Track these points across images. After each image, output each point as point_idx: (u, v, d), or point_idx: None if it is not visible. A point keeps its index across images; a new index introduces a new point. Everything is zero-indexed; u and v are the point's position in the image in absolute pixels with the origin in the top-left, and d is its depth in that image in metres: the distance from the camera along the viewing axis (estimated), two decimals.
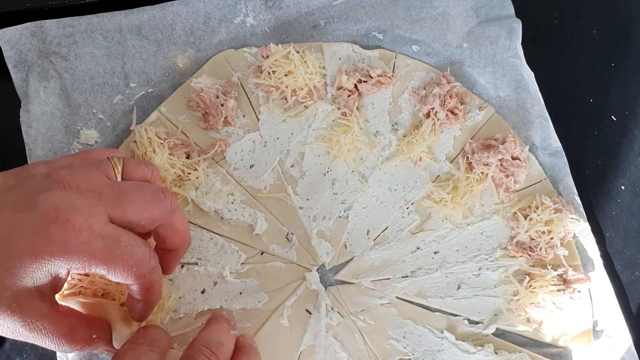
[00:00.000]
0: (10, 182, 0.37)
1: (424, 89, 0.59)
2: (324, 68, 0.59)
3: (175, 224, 0.42)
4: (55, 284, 0.37)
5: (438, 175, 0.58)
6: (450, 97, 0.57)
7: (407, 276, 0.55)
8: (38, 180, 0.37)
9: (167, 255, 0.44)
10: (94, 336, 0.40)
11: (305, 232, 0.56)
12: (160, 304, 0.51)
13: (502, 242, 0.56)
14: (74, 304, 0.44)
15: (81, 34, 0.57)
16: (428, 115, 0.58)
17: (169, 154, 0.54)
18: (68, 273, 0.36)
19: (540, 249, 0.54)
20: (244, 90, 0.59)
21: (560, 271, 0.54)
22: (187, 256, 0.54)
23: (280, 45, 0.57)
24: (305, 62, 0.57)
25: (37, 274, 0.35)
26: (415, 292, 0.55)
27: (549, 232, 0.54)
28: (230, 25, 0.60)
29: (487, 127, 0.59)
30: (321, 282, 0.54)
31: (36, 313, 0.36)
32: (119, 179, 0.41)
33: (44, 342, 0.38)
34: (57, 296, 0.50)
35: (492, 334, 0.54)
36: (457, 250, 0.56)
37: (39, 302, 0.36)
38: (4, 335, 0.38)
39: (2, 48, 0.56)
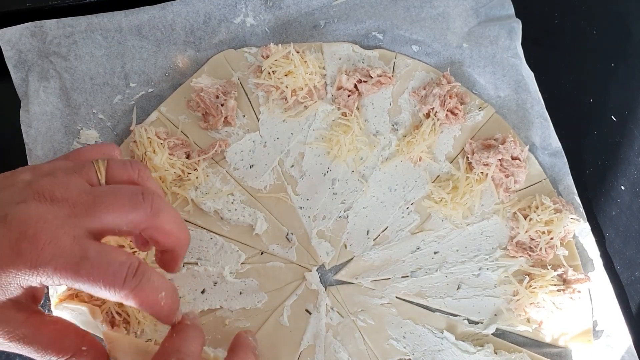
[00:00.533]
0: None
1: (424, 89, 0.59)
2: (324, 68, 0.59)
3: (162, 226, 0.39)
4: (32, 294, 0.36)
5: (438, 175, 0.58)
6: (450, 97, 0.57)
7: (407, 276, 0.55)
8: (17, 189, 0.36)
9: (165, 255, 0.43)
10: (84, 348, 0.39)
11: (305, 232, 0.56)
12: None
13: (502, 242, 0.56)
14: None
15: (81, 34, 0.57)
16: (428, 115, 0.58)
17: (169, 154, 0.54)
18: (42, 285, 0.36)
19: (540, 249, 0.54)
20: (244, 90, 0.59)
21: (560, 271, 0.54)
22: (187, 256, 0.54)
23: (280, 45, 0.57)
24: (305, 62, 0.57)
25: (8, 287, 0.34)
26: (415, 292, 0.55)
27: (549, 232, 0.54)
28: (230, 25, 0.60)
29: (487, 127, 0.59)
30: (321, 282, 0.54)
31: (12, 323, 0.36)
32: (103, 182, 0.39)
33: (27, 351, 0.37)
34: (54, 301, 0.50)
35: (492, 334, 0.54)
36: (457, 250, 0.56)
37: (14, 312, 0.36)
38: None
39: (2, 48, 0.56)
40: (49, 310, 0.52)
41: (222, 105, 0.56)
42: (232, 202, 0.55)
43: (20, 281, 0.34)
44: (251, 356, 0.42)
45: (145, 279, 0.37)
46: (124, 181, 0.40)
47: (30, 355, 0.37)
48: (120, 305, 0.51)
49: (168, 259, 0.43)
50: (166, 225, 0.39)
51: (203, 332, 0.41)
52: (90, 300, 0.50)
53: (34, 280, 0.34)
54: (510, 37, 0.60)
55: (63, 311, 0.50)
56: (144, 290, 0.37)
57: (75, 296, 0.50)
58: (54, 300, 0.51)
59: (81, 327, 0.50)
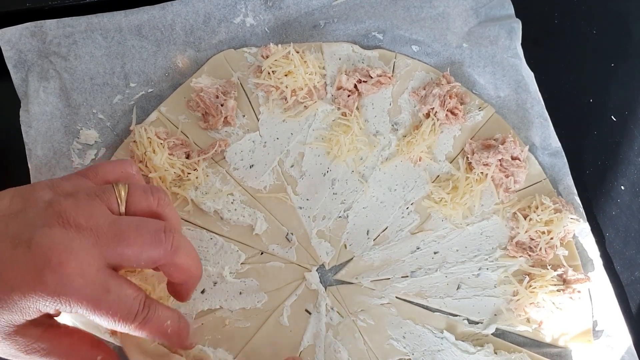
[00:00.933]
0: (15, 206, 0.37)
1: (424, 89, 0.59)
2: (323, 68, 0.59)
3: (178, 263, 0.40)
4: (48, 314, 0.37)
5: (438, 176, 0.58)
6: (450, 97, 0.57)
7: (407, 276, 0.55)
8: (40, 210, 0.36)
9: (177, 286, 0.43)
10: (99, 357, 0.40)
11: (305, 232, 0.56)
12: None
13: (502, 242, 0.56)
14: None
15: (81, 34, 0.57)
16: (428, 115, 0.58)
17: (169, 154, 0.54)
18: (56, 312, 0.36)
19: (540, 249, 0.54)
20: (244, 90, 0.59)
21: (560, 271, 0.54)
22: None
23: (280, 45, 0.57)
24: (305, 62, 0.57)
25: (27, 311, 0.35)
26: (415, 292, 0.55)
27: (549, 232, 0.54)
28: (230, 25, 0.60)
29: (486, 127, 0.59)
30: (321, 282, 0.54)
31: (29, 337, 0.36)
32: (122, 209, 0.39)
33: None
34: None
35: (491, 334, 0.53)
36: (457, 250, 0.56)
37: (31, 328, 0.36)
38: (5, 357, 0.38)
39: (2, 48, 0.56)
40: None
41: (222, 105, 0.56)
42: (232, 202, 0.55)
43: (40, 306, 0.35)
44: None
45: (152, 311, 0.38)
46: (144, 209, 0.40)
47: None
48: None
49: (180, 291, 0.44)
50: (183, 262, 0.40)
51: None
52: None
53: (53, 307, 0.35)
54: (510, 37, 0.60)
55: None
56: (151, 322, 0.38)
57: None
58: None
59: (82, 328, 0.50)
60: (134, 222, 0.38)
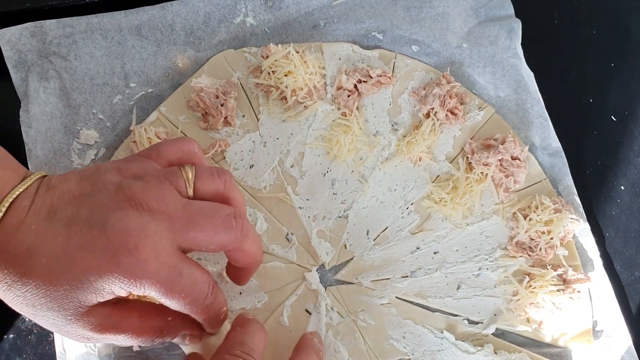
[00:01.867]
0: (83, 189, 0.37)
1: (424, 89, 0.59)
2: (323, 68, 0.59)
3: (246, 248, 0.41)
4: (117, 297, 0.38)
5: (438, 176, 0.58)
6: (450, 97, 0.57)
7: (407, 276, 0.55)
8: (110, 193, 0.36)
9: (238, 270, 0.44)
10: (170, 318, 0.40)
11: (305, 232, 0.56)
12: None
13: (502, 242, 0.56)
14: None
15: (81, 34, 0.57)
16: (428, 115, 0.58)
17: None
18: (128, 295, 0.36)
19: (540, 249, 0.54)
20: (244, 90, 0.59)
21: (560, 271, 0.54)
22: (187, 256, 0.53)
23: (280, 45, 0.57)
24: (305, 62, 0.57)
25: (101, 292, 0.35)
26: (415, 292, 0.55)
27: (549, 232, 0.54)
28: (230, 25, 0.60)
29: (486, 127, 0.59)
30: (321, 282, 0.54)
31: (101, 316, 0.37)
32: (191, 192, 0.39)
33: (119, 339, 0.38)
34: None
35: (491, 334, 0.53)
36: (457, 251, 0.56)
37: (101, 308, 0.36)
38: (78, 341, 0.38)
39: (2, 48, 0.56)
40: None
41: (221, 105, 0.56)
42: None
43: (114, 288, 0.35)
44: (314, 357, 0.42)
45: (216, 297, 0.39)
46: (211, 191, 0.40)
47: (119, 343, 0.38)
48: None
49: (241, 275, 0.45)
50: (249, 248, 0.41)
51: (265, 329, 0.42)
52: None
53: (127, 289, 0.35)
54: (510, 37, 0.60)
55: None
56: (214, 308, 0.39)
57: None
58: None
59: None
60: (206, 207, 0.39)
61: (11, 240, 0.34)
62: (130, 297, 0.40)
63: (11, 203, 0.35)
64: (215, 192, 0.41)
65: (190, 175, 0.39)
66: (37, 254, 0.34)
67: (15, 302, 0.35)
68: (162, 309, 0.40)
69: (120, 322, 0.38)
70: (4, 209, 0.35)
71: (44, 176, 0.38)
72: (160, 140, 0.52)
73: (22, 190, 0.36)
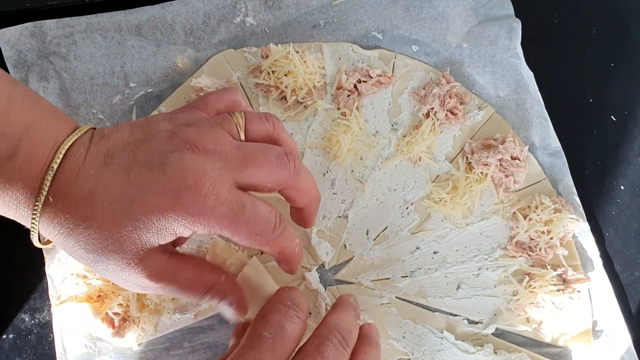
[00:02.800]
0: (136, 137, 0.37)
1: (424, 89, 0.59)
2: (323, 68, 0.59)
3: (301, 185, 0.41)
4: (177, 241, 0.38)
5: (437, 175, 0.58)
6: (450, 97, 0.57)
7: (407, 276, 0.55)
8: (164, 138, 0.37)
9: (300, 212, 0.45)
10: (222, 277, 0.40)
11: (304, 231, 0.56)
12: (160, 306, 0.51)
13: (502, 242, 0.56)
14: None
15: (81, 34, 0.57)
16: (427, 115, 0.58)
17: None
18: (191, 234, 0.37)
19: (540, 249, 0.54)
20: (244, 90, 0.59)
21: (559, 271, 0.54)
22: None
23: (280, 45, 0.57)
24: (304, 62, 0.57)
25: (163, 232, 0.35)
26: (414, 292, 0.55)
27: (549, 232, 0.54)
28: (229, 25, 0.60)
29: (486, 127, 0.59)
30: (321, 282, 0.54)
31: (159, 261, 0.37)
32: (242, 136, 0.40)
33: (171, 290, 0.38)
34: (54, 302, 0.51)
35: (491, 334, 0.54)
36: (457, 250, 0.56)
37: (159, 254, 0.37)
38: (131, 289, 0.38)
39: (2, 48, 0.56)
40: (49, 310, 0.52)
41: None
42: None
43: (177, 228, 0.35)
44: (352, 312, 0.42)
45: (286, 228, 0.40)
46: (262, 134, 0.42)
47: (172, 294, 0.39)
48: (120, 304, 0.51)
49: (304, 216, 0.45)
50: (304, 185, 0.42)
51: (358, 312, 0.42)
52: (90, 300, 0.50)
53: (189, 228, 0.35)
54: (510, 37, 0.60)
55: (64, 310, 0.51)
56: (286, 237, 0.39)
57: (74, 297, 0.50)
58: (54, 301, 0.51)
59: (83, 325, 0.51)
60: (259, 146, 0.40)
61: (71, 186, 0.35)
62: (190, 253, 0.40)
63: (67, 150, 0.36)
64: (266, 134, 0.42)
65: (241, 120, 0.41)
66: (99, 198, 0.34)
67: (75, 248, 0.36)
68: (216, 268, 0.40)
69: (176, 271, 0.38)
70: (61, 156, 0.35)
71: (94, 128, 0.39)
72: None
73: (76, 138, 0.36)
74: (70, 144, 0.36)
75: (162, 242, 0.36)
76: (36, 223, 0.35)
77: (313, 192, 0.43)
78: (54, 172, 0.35)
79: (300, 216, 0.45)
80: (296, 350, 0.37)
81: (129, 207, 0.34)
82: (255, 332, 0.36)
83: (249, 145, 0.40)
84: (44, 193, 0.35)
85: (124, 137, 0.37)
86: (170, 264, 0.37)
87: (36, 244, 0.38)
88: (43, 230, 0.36)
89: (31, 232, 0.37)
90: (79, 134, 0.37)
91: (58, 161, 0.35)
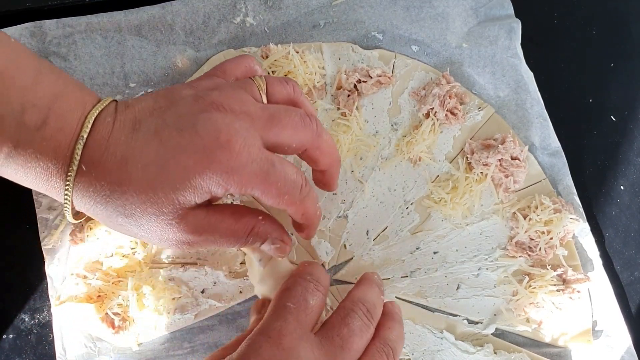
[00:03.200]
0: (162, 104, 0.38)
1: (424, 89, 0.59)
2: (323, 68, 0.59)
3: (323, 146, 0.42)
4: (211, 199, 0.38)
5: (437, 175, 0.58)
6: (450, 97, 0.57)
7: (407, 276, 0.55)
8: (190, 102, 0.37)
9: (323, 175, 0.45)
10: (260, 217, 0.40)
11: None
12: (160, 306, 0.52)
13: (502, 242, 0.56)
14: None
15: (80, 34, 0.57)
16: (427, 115, 0.58)
17: None
18: (224, 193, 0.37)
19: (540, 249, 0.54)
20: None
21: (559, 271, 0.54)
22: (187, 256, 0.54)
23: (279, 45, 0.58)
24: (304, 62, 0.57)
25: (199, 191, 0.36)
26: (414, 292, 0.55)
27: (549, 232, 0.54)
28: (229, 25, 0.60)
29: (486, 127, 0.59)
30: None
31: (198, 216, 0.37)
32: (264, 99, 0.41)
33: (215, 240, 0.38)
34: (54, 302, 0.51)
35: (491, 334, 0.54)
36: (457, 250, 0.56)
37: (198, 209, 0.37)
38: (177, 248, 0.40)
39: None
40: (49, 310, 0.52)
41: None
42: (231, 203, 0.55)
43: (212, 186, 0.36)
44: (376, 288, 0.43)
45: (311, 190, 0.40)
46: (284, 97, 0.42)
47: (215, 244, 0.39)
48: (119, 304, 0.51)
49: (327, 178, 0.46)
50: (326, 146, 0.42)
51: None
52: (90, 300, 0.50)
53: (223, 187, 0.36)
54: (510, 37, 0.60)
55: (65, 310, 0.51)
56: (310, 199, 0.40)
57: (74, 297, 0.50)
58: (54, 301, 0.51)
59: (83, 325, 0.51)
60: (283, 108, 0.40)
61: (103, 153, 0.35)
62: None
63: (95, 119, 0.36)
64: (287, 97, 0.43)
65: (262, 84, 0.41)
66: (133, 162, 0.35)
67: (114, 215, 0.36)
68: (252, 210, 0.41)
69: (217, 221, 0.38)
70: (90, 124, 0.35)
71: (116, 101, 0.39)
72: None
73: (102, 107, 0.37)
74: (97, 113, 0.36)
75: (199, 201, 0.36)
76: (69, 194, 0.36)
77: (334, 152, 0.44)
78: (84, 140, 0.35)
79: (324, 179, 0.46)
80: (321, 322, 0.38)
81: (163, 168, 0.35)
82: (280, 303, 0.37)
83: (272, 106, 0.40)
84: (76, 162, 0.35)
85: (149, 105, 0.38)
86: (210, 215, 0.38)
87: (70, 218, 0.38)
88: (78, 202, 0.36)
89: (64, 207, 0.37)
90: (105, 104, 0.37)
91: (87, 130, 0.35)
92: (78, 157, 0.35)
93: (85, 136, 0.35)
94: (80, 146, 0.35)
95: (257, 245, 0.41)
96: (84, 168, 0.35)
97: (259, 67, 0.46)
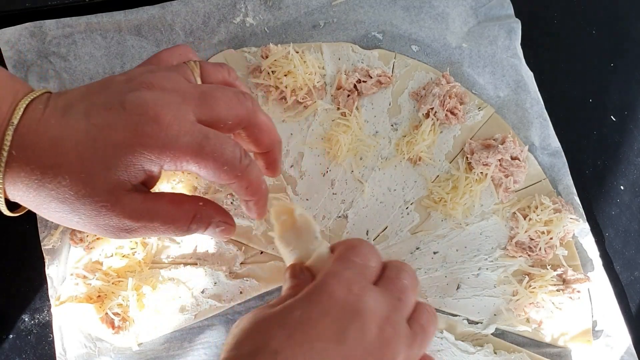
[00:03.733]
0: (94, 88, 0.37)
1: (424, 89, 0.59)
2: (323, 68, 0.59)
3: (261, 123, 0.40)
4: (148, 182, 0.37)
5: (437, 175, 0.58)
6: (450, 97, 0.57)
7: None
8: (121, 83, 0.37)
9: (266, 158, 0.44)
10: (201, 203, 0.39)
11: None
12: (160, 306, 0.52)
13: (502, 242, 0.56)
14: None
15: (80, 34, 0.57)
16: (427, 115, 0.58)
17: None
18: (160, 171, 0.36)
19: (540, 249, 0.54)
20: None
21: (559, 271, 0.54)
22: (187, 256, 0.54)
23: (279, 45, 0.57)
24: (304, 62, 0.57)
25: (132, 169, 0.35)
26: None
27: (549, 232, 0.54)
28: (229, 25, 0.60)
29: (486, 127, 0.59)
30: None
31: (135, 200, 0.36)
32: (199, 80, 0.40)
33: (156, 228, 0.37)
34: (54, 303, 0.50)
35: (491, 334, 0.54)
36: (457, 250, 0.56)
37: (135, 193, 0.36)
38: (116, 237, 0.37)
39: (2, 48, 0.56)
40: (49, 310, 0.52)
41: None
42: (231, 203, 0.55)
43: (144, 163, 0.35)
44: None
45: (252, 161, 0.39)
46: (219, 80, 0.42)
47: (155, 232, 0.37)
48: (119, 305, 0.51)
49: (268, 162, 0.44)
50: (263, 123, 0.41)
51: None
52: (90, 300, 0.50)
53: (157, 162, 0.35)
54: (510, 37, 0.60)
55: (64, 310, 0.51)
56: (253, 171, 0.39)
57: (74, 297, 0.50)
58: (54, 301, 0.51)
59: (83, 326, 0.51)
60: (215, 86, 0.40)
61: (33, 137, 0.34)
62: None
63: (26, 107, 0.35)
64: (222, 80, 0.42)
65: (196, 67, 0.41)
66: (63, 143, 0.34)
67: (48, 200, 0.35)
68: (192, 196, 0.40)
69: (154, 207, 0.37)
70: (20, 111, 0.35)
71: (50, 92, 0.38)
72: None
73: (35, 97, 0.36)
74: (29, 100, 0.36)
75: (133, 181, 0.35)
76: (1, 181, 0.34)
77: (274, 131, 0.42)
78: (14, 126, 0.34)
79: (267, 161, 0.44)
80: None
81: (94, 147, 0.34)
82: (346, 256, 0.37)
83: (205, 85, 0.40)
84: (6, 148, 0.34)
85: (82, 91, 0.37)
86: (147, 201, 0.37)
87: (4, 210, 0.37)
88: (11, 189, 0.35)
89: None
90: (37, 94, 0.37)
91: (18, 116, 0.35)
92: (8, 143, 0.34)
93: (15, 122, 0.34)
94: (10, 132, 0.34)
95: (201, 232, 0.39)
96: (14, 153, 0.34)
97: (194, 55, 0.44)
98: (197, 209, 0.39)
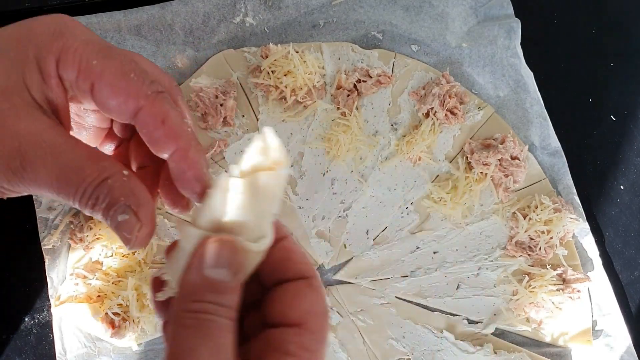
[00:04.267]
0: None
1: (423, 88, 0.59)
2: (323, 68, 0.59)
3: (164, 112, 0.29)
4: (53, 108, 0.29)
5: (437, 175, 0.58)
6: (450, 96, 0.57)
7: (407, 276, 0.55)
8: None
9: (180, 162, 0.30)
10: (125, 171, 0.28)
11: (304, 232, 0.56)
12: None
13: (502, 241, 0.56)
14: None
15: None
16: (427, 115, 0.58)
17: None
18: (64, 96, 0.29)
19: (540, 248, 0.54)
20: (243, 90, 0.59)
21: (559, 271, 0.54)
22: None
23: (279, 45, 0.57)
24: (304, 62, 0.57)
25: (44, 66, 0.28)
26: (414, 292, 0.55)
27: (549, 231, 0.54)
28: (229, 25, 0.60)
29: (486, 126, 0.59)
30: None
31: (37, 123, 0.28)
32: None
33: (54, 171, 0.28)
34: (54, 303, 0.50)
35: (491, 334, 0.54)
36: (457, 250, 0.56)
37: (39, 113, 0.28)
38: (40, 193, 0.29)
39: None
40: (49, 310, 0.52)
41: (221, 105, 0.56)
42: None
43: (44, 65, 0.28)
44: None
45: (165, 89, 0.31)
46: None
47: (56, 188, 0.28)
48: (119, 305, 0.51)
49: (185, 165, 0.31)
50: (168, 111, 0.30)
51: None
52: (90, 300, 0.50)
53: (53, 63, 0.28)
54: (510, 36, 0.60)
55: (64, 310, 0.51)
56: (165, 100, 0.30)
57: (74, 298, 0.50)
58: (54, 301, 0.51)
59: (83, 326, 0.50)
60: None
61: None
62: None
63: None
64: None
65: None
66: None
67: None
68: (116, 161, 0.30)
69: (65, 142, 0.28)
70: None
71: None
72: None
73: None
74: None
75: (48, 91, 0.29)
76: None
77: (183, 127, 0.30)
78: None
79: (181, 166, 0.30)
80: None
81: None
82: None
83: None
84: None
85: None
86: (59, 132, 0.28)
87: None
88: None
89: None
90: None
91: None
92: None
93: None
94: None
95: (100, 208, 0.28)
96: None
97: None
98: (114, 173, 0.28)
